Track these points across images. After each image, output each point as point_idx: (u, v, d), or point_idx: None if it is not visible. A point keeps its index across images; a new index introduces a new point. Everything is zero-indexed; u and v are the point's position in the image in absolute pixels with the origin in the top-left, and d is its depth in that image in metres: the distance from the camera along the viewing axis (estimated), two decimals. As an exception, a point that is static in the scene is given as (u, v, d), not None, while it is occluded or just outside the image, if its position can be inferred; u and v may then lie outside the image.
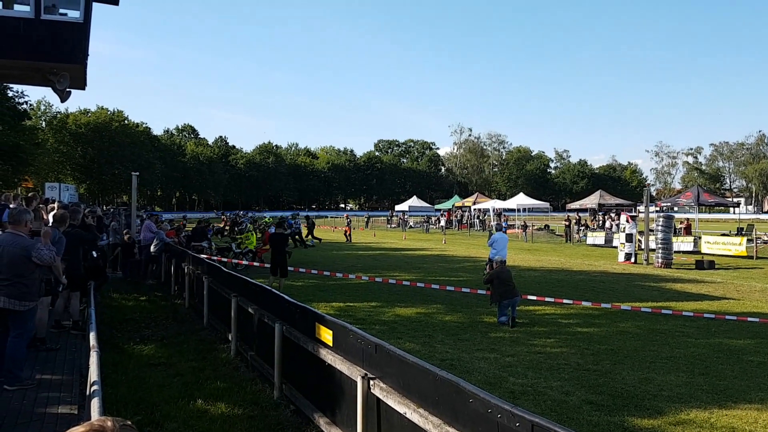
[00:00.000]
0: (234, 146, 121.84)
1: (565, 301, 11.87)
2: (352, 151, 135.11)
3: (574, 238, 37.41)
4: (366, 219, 64.48)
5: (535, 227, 43.60)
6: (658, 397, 6.94)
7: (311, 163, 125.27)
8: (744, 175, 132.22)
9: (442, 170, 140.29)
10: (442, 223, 53.08)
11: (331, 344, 5.31)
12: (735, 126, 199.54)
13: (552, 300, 11.88)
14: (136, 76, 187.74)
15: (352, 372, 4.73)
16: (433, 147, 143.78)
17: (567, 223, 39.41)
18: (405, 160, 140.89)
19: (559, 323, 11.44)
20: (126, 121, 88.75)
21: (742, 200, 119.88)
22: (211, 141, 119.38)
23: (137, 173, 21.49)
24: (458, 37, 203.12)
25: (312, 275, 15.65)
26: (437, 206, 69.09)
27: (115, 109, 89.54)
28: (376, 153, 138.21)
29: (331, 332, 5.32)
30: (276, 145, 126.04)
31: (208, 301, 10.56)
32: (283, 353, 6.56)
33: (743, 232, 31.42)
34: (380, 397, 4.31)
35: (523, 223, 41.75)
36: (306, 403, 5.98)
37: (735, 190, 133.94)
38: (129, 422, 1.55)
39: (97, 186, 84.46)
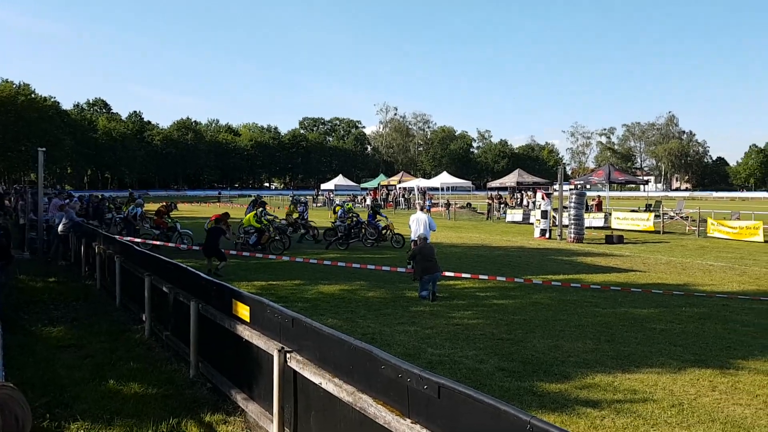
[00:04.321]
0: (150, 122, 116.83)
1: (481, 276, 12.25)
2: (276, 128, 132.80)
3: (495, 216, 38.55)
4: (291, 198, 63.63)
5: (458, 205, 44.58)
6: (566, 363, 7.33)
7: (233, 141, 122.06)
8: (654, 155, 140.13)
9: (368, 149, 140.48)
10: (368, 201, 53.25)
11: (248, 320, 5.27)
12: (646, 107, 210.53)
13: (469, 276, 12.23)
14: (44, 48, 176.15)
15: (269, 346, 4.72)
16: (360, 126, 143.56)
17: (489, 201, 40.53)
18: (331, 139, 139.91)
19: (476, 296, 11.82)
20: (33, 95, 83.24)
21: (652, 178, 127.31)
22: (124, 116, 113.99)
23: (44, 149, 20.23)
24: (384, 16, 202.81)
25: (232, 255, 15.36)
26: (363, 185, 69.21)
27: (21, 83, 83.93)
28: (301, 131, 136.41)
29: (248, 308, 5.28)
30: (195, 121, 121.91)
31: (120, 281, 10.19)
32: (200, 331, 6.45)
33: (651, 209, 33.34)
34: (297, 369, 4.33)
35: (446, 202, 42.57)
36: (223, 380, 5.93)
37: (645, 168, 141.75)
38: (10, 384, 1.49)
39: (2, 164, 79.07)
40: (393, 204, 52.57)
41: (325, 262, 14.14)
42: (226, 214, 19.39)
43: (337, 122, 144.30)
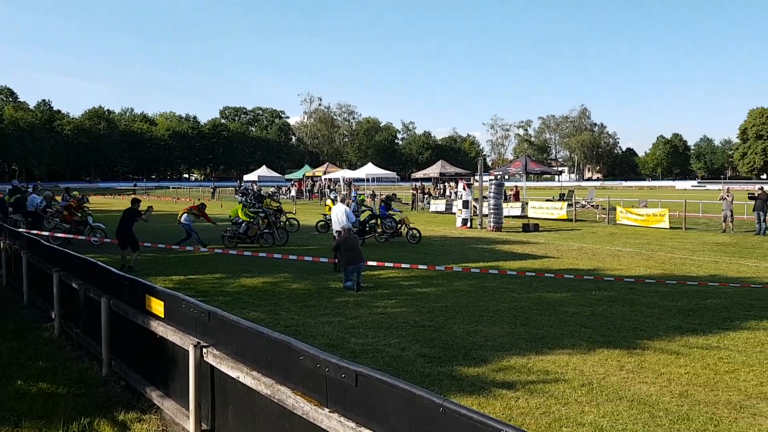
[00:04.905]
0: (60, 111, 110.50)
1: (404, 265, 12.41)
2: (195, 117, 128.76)
3: (419, 206, 39.11)
4: (212, 190, 62.01)
5: (383, 196, 44.91)
6: (483, 347, 7.56)
7: (149, 130, 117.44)
8: (568, 146, 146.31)
9: (293, 139, 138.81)
10: (293, 193, 52.74)
11: (162, 316, 5.10)
12: (561, 101, 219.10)
13: (392, 265, 12.35)
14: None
15: (185, 342, 4.59)
16: (283, 116, 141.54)
17: (413, 192, 41.07)
18: (253, 129, 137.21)
19: (400, 285, 11.96)
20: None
21: (566, 169, 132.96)
22: (32, 105, 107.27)
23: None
24: (306, 5, 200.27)
25: (147, 248, 14.81)
26: (288, 176, 68.38)
27: None
28: (222, 120, 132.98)
29: (162, 303, 5.11)
30: (108, 110, 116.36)
31: (27, 278, 9.62)
32: (112, 328, 6.19)
33: (564, 198, 34.78)
34: (213, 364, 4.24)
35: (371, 193, 42.77)
36: (137, 377, 5.72)
37: (560, 159, 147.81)
38: None
39: None
40: (318, 195, 52.29)
41: (246, 253, 13.89)
42: (203, 205, 18.69)
43: (260, 112, 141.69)
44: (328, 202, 24.29)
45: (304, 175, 61.41)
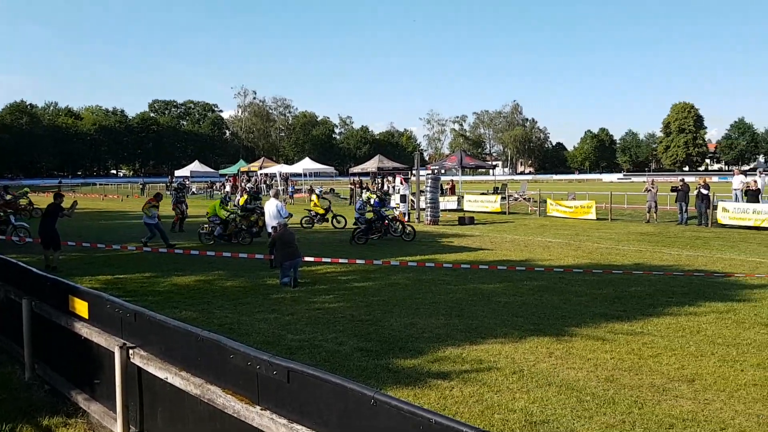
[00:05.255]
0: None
1: (341, 260, 12.39)
2: (122, 111, 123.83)
3: (357, 201, 39.07)
4: (141, 186, 59.92)
5: (321, 190, 44.67)
6: (420, 339, 7.65)
7: (74, 125, 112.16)
8: (501, 141, 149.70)
9: (227, 134, 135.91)
10: (228, 188, 51.62)
11: (86, 317, 4.90)
12: (494, 96, 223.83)
13: (329, 260, 12.31)
14: None
15: (110, 343, 4.43)
16: (216, 109, 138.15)
17: (351, 186, 41.00)
18: (185, 123, 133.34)
19: (338, 280, 11.93)
20: None
21: (500, 163, 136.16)
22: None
23: None
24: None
25: (72, 247, 14.19)
26: (222, 171, 66.89)
27: None
28: (152, 114, 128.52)
29: (86, 304, 4.91)
30: (31, 104, 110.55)
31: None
32: (34, 331, 5.90)
33: (498, 191, 35.63)
34: (141, 365, 4.12)
35: (309, 188, 42.43)
36: (62, 381, 5.48)
37: (494, 154, 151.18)
38: None
39: None
40: (256, 190, 51.43)
41: (177, 251, 13.51)
42: (159, 195, 17.80)
43: (192, 105, 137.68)
44: (313, 197, 23.80)
45: (239, 171, 60.21)
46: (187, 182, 31.68)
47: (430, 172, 34.65)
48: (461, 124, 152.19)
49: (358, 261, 12.57)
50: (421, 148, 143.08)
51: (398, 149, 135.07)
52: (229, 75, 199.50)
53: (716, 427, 5.01)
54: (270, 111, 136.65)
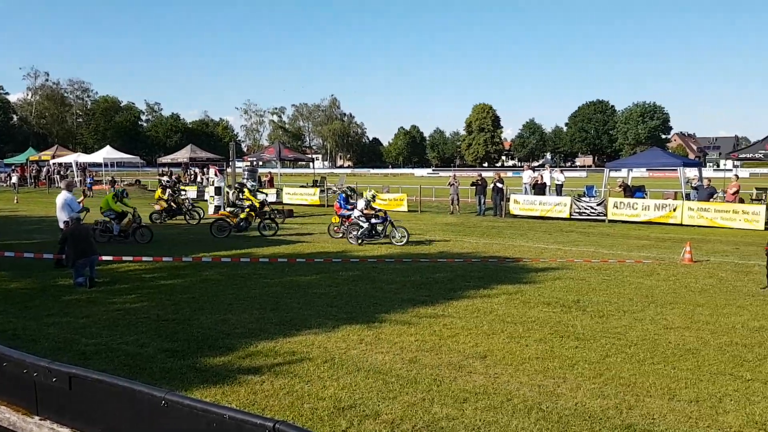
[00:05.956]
0: None
1: (145, 258, 11.64)
2: None
3: (168, 192, 36.89)
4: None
5: (125, 183, 41.66)
6: (231, 335, 7.46)
7: None
8: (321, 134, 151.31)
9: (14, 119, 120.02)
10: (14, 179, 45.78)
11: None
12: (313, 89, 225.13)
13: (131, 258, 11.49)
14: None
15: None
16: (1, 92, 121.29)
17: (159, 178, 38.65)
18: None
19: (142, 278, 11.19)
20: None
21: (320, 156, 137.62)
22: None
23: None
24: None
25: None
26: (7, 161, 59.37)
27: None
28: None
29: None
30: None
31: None
32: None
33: (317, 184, 35.97)
34: None
35: (111, 179, 39.18)
36: None
37: (314, 147, 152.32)
38: None
39: None
40: (46, 182, 46.22)
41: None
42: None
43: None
44: (245, 191, 21.00)
45: (27, 160, 53.62)
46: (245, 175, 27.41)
47: (247, 163, 33.96)
48: (280, 116, 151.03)
49: (165, 258, 11.88)
50: (239, 138, 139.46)
51: (213, 139, 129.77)
52: (17, 54, 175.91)
53: (503, 398, 5.55)
54: (65, 95, 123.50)
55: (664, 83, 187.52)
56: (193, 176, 40.13)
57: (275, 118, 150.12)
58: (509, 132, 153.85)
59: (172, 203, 21.80)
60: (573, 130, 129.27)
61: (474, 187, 26.91)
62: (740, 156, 26.84)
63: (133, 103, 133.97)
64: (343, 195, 18.29)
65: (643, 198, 23.97)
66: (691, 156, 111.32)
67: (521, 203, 25.26)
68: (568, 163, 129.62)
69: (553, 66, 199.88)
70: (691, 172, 26.84)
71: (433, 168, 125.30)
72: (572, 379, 6.06)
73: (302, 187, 34.75)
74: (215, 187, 25.28)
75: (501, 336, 7.61)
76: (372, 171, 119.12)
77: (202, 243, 16.07)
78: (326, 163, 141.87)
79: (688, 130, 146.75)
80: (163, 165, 43.57)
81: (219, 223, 17.93)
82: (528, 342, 7.37)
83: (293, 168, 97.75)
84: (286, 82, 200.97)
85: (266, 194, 20.31)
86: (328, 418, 5.04)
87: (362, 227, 16.24)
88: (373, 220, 16.35)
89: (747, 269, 12.66)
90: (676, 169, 26.32)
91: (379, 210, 17.04)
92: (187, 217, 21.75)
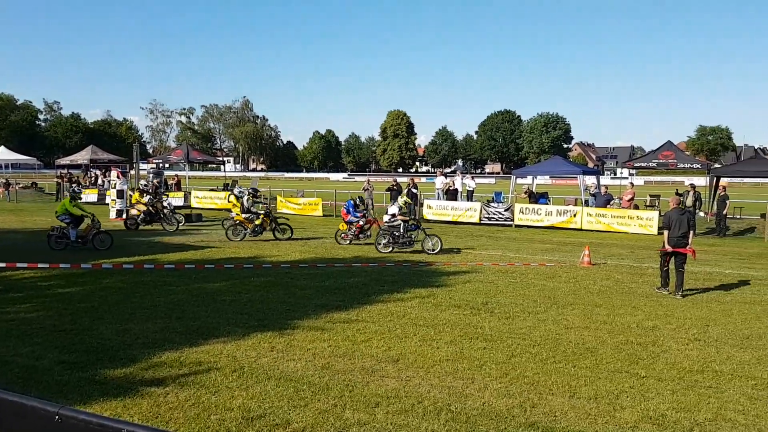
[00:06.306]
0: None
1: (41, 264, 10.92)
2: None
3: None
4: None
5: (20, 185, 38.98)
6: (133, 345, 7.11)
7: None
8: (232, 137, 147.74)
9: None
10: None
11: None
12: (224, 90, 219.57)
13: (25, 265, 10.75)
14: None
15: None
16: None
17: (58, 180, 36.38)
18: None
19: (38, 287, 10.48)
20: None
21: (232, 159, 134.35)
22: None
23: None
24: None
25: None
26: None
27: None
28: None
29: None
30: None
31: None
32: None
33: (228, 188, 35.06)
34: None
35: (5, 181, 36.54)
36: None
37: (226, 149, 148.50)
38: None
39: None
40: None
41: None
42: None
43: None
44: (231, 198, 19.16)
45: None
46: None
47: (153, 165, 32.61)
48: (189, 117, 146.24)
49: (62, 265, 11.19)
50: (144, 140, 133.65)
51: (116, 140, 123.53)
52: None
53: (414, 401, 5.63)
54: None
55: (566, 95, 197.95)
56: (94, 179, 38.01)
57: (183, 118, 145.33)
58: (423, 138, 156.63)
59: (151, 208, 20.44)
60: (482, 138, 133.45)
61: (389, 192, 27.20)
62: (635, 165, 28.65)
63: (30, 102, 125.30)
64: (351, 201, 17.87)
65: (547, 204, 25.14)
66: (591, 164, 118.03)
67: (434, 208, 25.81)
68: (478, 170, 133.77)
69: (463, 75, 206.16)
70: (590, 180, 28.40)
71: (349, 173, 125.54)
72: (480, 380, 6.25)
73: (212, 190, 33.82)
74: (117, 191, 24.10)
75: (413, 339, 7.72)
76: (286, 175, 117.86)
77: (169, 248, 15.22)
78: (238, 166, 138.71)
79: (587, 140, 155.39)
80: (62, 167, 41.02)
81: (236, 227, 17.96)
82: (439, 344, 7.52)
83: (203, 171, 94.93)
84: (195, 81, 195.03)
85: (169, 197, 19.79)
86: (236, 429, 4.91)
87: (396, 235, 15.89)
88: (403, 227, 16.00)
89: (641, 271, 13.56)
90: (577, 177, 27.76)
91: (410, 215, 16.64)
92: (164, 224, 20.50)
